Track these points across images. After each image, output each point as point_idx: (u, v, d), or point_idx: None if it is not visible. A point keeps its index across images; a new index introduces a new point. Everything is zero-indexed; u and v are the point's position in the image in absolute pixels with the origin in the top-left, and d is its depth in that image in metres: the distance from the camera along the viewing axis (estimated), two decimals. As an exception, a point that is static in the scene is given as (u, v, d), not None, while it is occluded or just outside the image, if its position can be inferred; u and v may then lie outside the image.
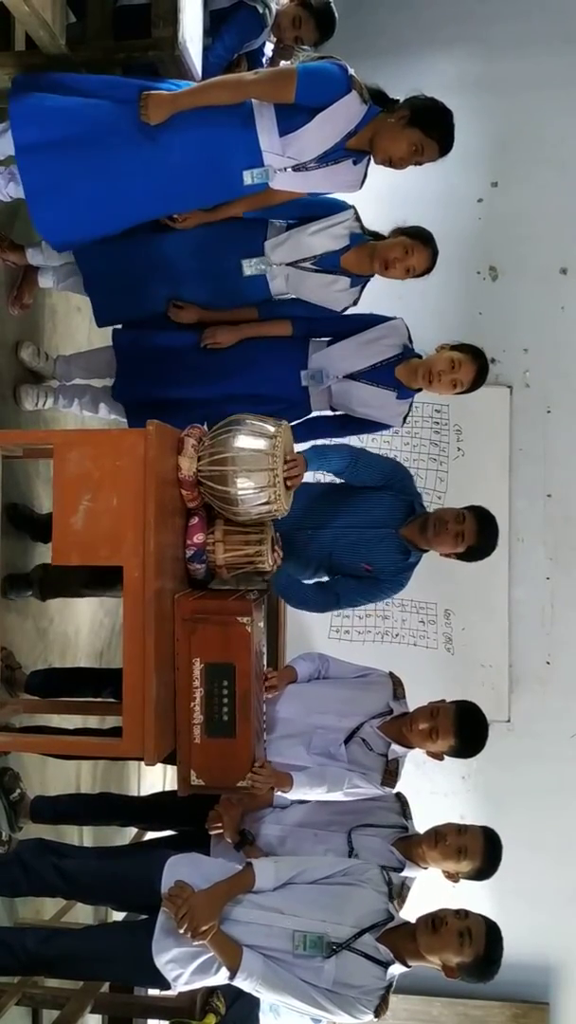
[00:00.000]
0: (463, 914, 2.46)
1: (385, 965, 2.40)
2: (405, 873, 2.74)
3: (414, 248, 3.03)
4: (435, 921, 2.44)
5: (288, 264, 3.10)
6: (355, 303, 3.23)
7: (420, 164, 2.79)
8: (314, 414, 3.27)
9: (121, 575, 2.35)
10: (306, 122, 2.69)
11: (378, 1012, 2.39)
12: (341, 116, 2.70)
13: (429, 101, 2.77)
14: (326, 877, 2.50)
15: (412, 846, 2.77)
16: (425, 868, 2.78)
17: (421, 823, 2.88)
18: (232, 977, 2.37)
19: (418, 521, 3.10)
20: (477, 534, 3.04)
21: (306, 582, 3.24)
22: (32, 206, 2.72)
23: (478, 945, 2.42)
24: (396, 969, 2.43)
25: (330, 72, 2.69)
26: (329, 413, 3.31)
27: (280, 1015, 4.17)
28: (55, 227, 2.78)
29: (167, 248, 3.05)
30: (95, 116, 2.68)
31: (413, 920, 2.51)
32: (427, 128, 2.72)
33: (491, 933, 2.46)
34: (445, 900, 2.60)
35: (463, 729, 2.81)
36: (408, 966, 2.46)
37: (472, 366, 3.07)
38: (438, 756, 2.88)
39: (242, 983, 2.38)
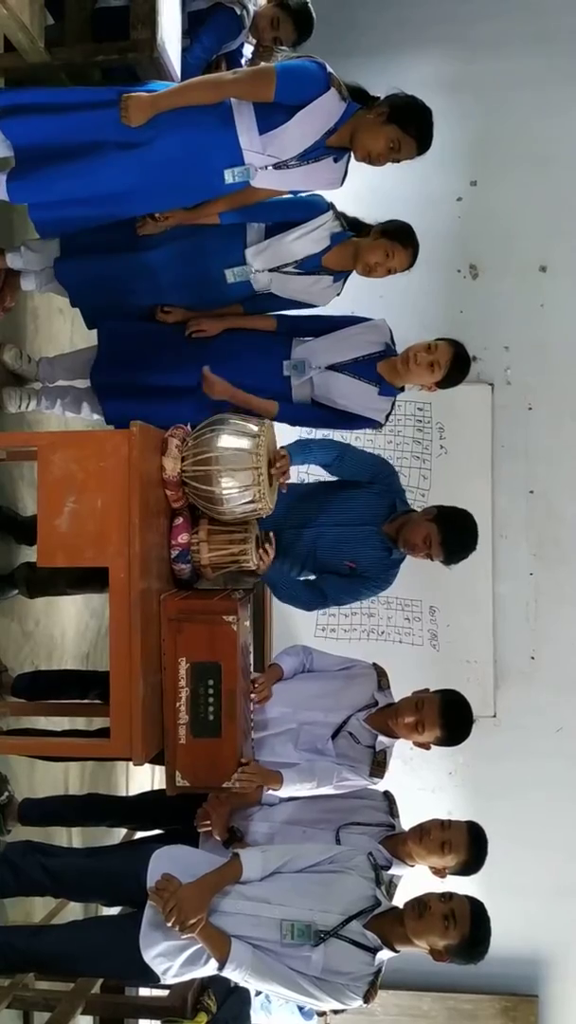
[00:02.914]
0: (447, 897, 2.47)
1: (373, 951, 2.41)
2: (392, 871, 2.74)
3: (394, 250, 3.03)
4: (420, 905, 2.45)
5: (270, 270, 3.11)
6: (338, 294, 3.25)
7: (398, 161, 2.81)
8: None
9: (106, 575, 2.36)
10: (286, 120, 2.70)
11: (367, 998, 2.41)
12: (321, 114, 2.71)
13: (408, 98, 2.78)
14: (313, 865, 2.51)
15: (399, 844, 2.78)
16: (412, 866, 2.79)
17: (408, 819, 2.90)
18: (221, 968, 2.38)
19: (397, 522, 3.12)
20: (447, 554, 3.05)
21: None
22: (11, 187, 2.74)
23: (463, 927, 2.44)
24: (384, 955, 2.44)
25: (309, 70, 2.70)
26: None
27: (271, 1012, 4.19)
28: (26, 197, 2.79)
29: (149, 262, 3.05)
30: (77, 123, 2.69)
31: (400, 906, 2.52)
32: (404, 125, 2.74)
33: (476, 914, 2.48)
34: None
35: (449, 720, 2.83)
36: (396, 951, 2.47)
37: (449, 349, 3.08)
38: (425, 746, 2.90)
39: (231, 974, 2.39)
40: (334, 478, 3.26)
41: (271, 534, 2.87)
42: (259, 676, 2.94)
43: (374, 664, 3.08)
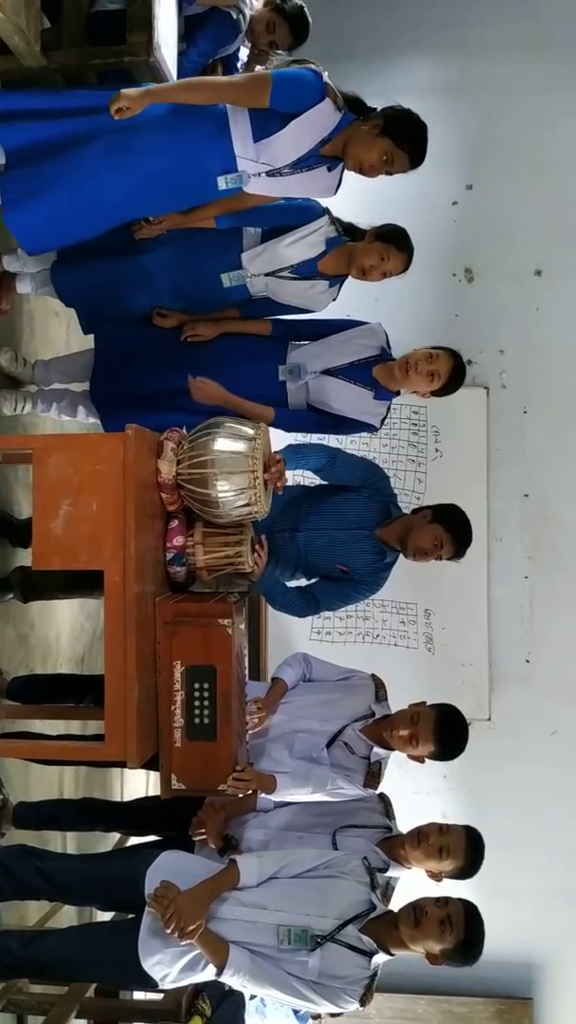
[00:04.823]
0: (443, 902, 2.49)
1: (369, 955, 2.43)
2: (390, 873, 2.75)
3: (389, 253, 3.04)
4: (416, 911, 2.46)
5: (266, 274, 3.12)
6: (334, 299, 3.25)
7: (391, 174, 2.81)
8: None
9: (101, 578, 2.36)
10: (280, 128, 2.70)
11: (363, 1001, 2.42)
12: (315, 123, 2.72)
13: (404, 112, 2.78)
14: (309, 870, 2.51)
15: (396, 846, 2.78)
16: (409, 868, 2.79)
17: (404, 823, 2.90)
18: (219, 974, 2.39)
19: (395, 528, 3.12)
20: (457, 549, 3.09)
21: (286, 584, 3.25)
22: (8, 213, 2.73)
23: (459, 931, 2.45)
24: (380, 958, 2.45)
25: (304, 79, 2.70)
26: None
27: (266, 1015, 4.18)
28: (31, 233, 2.79)
29: (145, 266, 3.06)
30: (70, 129, 2.69)
31: (394, 910, 2.53)
32: (398, 139, 2.74)
33: (470, 917, 2.49)
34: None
35: (443, 735, 2.82)
36: (392, 954, 2.48)
37: (449, 360, 3.10)
38: (419, 759, 2.89)
39: (229, 979, 2.40)
40: (325, 482, 3.27)
41: (263, 537, 2.88)
42: (259, 699, 2.93)
43: (373, 675, 3.08)
